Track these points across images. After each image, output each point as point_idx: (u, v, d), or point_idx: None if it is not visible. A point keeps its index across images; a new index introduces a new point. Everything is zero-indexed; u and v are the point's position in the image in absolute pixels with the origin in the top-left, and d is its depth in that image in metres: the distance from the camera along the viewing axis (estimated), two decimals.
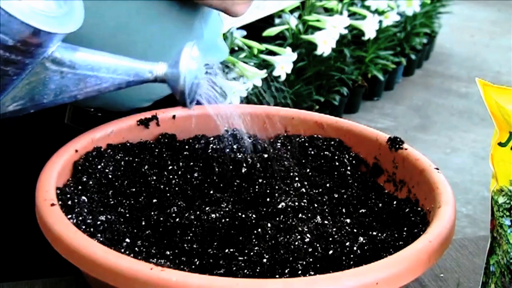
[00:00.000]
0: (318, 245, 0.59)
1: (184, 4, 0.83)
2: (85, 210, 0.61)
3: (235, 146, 0.75)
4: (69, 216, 0.59)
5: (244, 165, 0.70)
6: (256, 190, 0.68)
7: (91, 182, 0.67)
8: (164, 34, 0.83)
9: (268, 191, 0.68)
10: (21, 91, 0.61)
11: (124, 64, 0.65)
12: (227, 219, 0.63)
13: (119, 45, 0.80)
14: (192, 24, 0.86)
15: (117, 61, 0.65)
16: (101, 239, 0.58)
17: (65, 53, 0.62)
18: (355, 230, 0.63)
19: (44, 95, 0.62)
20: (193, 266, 0.57)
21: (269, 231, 0.60)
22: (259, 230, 0.60)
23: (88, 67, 0.63)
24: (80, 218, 0.60)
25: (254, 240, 0.59)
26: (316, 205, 0.67)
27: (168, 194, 0.67)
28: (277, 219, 0.62)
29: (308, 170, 0.74)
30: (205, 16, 0.88)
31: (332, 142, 0.79)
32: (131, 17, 0.79)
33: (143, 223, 0.63)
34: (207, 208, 0.65)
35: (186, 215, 0.63)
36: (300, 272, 0.56)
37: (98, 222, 0.60)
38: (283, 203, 0.65)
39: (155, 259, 0.57)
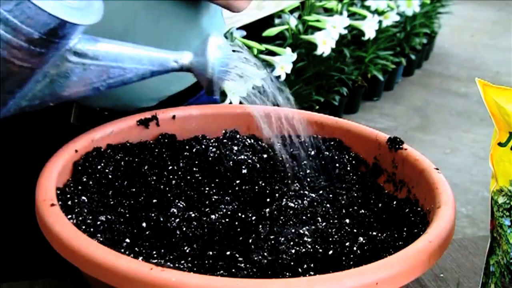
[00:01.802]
0: (318, 245, 0.59)
1: (191, 2, 0.83)
2: (85, 210, 0.61)
3: (235, 147, 0.75)
4: (69, 216, 0.59)
5: (244, 165, 0.70)
6: (256, 190, 0.68)
7: (91, 182, 0.67)
8: (172, 34, 0.83)
9: (268, 191, 0.68)
10: (41, 84, 0.60)
11: (148, 54, 0.65)
12: (227, 220, 0.63)
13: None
14: (200, 23, 0.86)
15: (141, 51, 0.65)
16: (101, 239, 0.58)
17: (87, 44, 0.61)
18: (355, 230, 0.63)
19: (65, 87, 0.61)
20: (193, 267, 0.57)
21: (269, 232, 0.60)
22: (259, 230, 0.60)
23: (112, 58, 0.63)
24: (80, 218, 0.60)
25: (254, 241, 0.59)
26: (316, 206, 0.67)
27: (168, 195, 0.67)
28: (277, 219, 0.63)
29: (308, 171, 0.74)
30: (211, 15, 0.88)
31: (332, 142, 0.79)
32: (137, 18, 0.79)
33: (143, 224, 0.63)
34: (207, 209, 0.65)
35: (186, 215, 0.63)
36: (300, 272, 0.56)
37: (98, 222, 0.60)
38: (283, 204, 0.65)
39: (155, 260, 0.57)
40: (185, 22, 0.84)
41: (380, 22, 3.10)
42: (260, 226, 0.61)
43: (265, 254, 0.57)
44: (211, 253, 0.59)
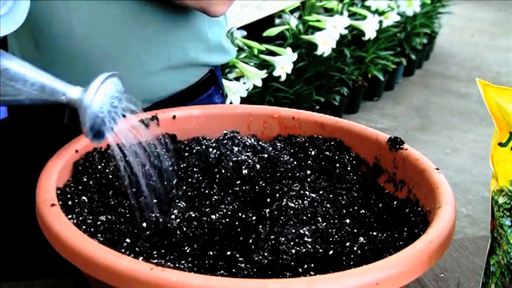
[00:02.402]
0: (318, 245, 0.59)
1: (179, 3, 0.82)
2: (85, 210, 0.61)
3: (235, 147, 0.75)
4: (70, 216, 0.59)
5: (245, 166, 0.70)
6: (257, 191, 0.68)
7: (91, 182, 0.67)
8: (162, 36, 0.82)
9: (268, 191, 0.68)
10: None
11: (42, 80, 0.63)
12: (228, 220, 0.63)
13: (112, 48, 0.80)
14: (195, 24, 0.85)
15: (36, 76, 0.63)
16: (101, 239, 0.58)
17: None
18: (355, 230, 0.63)
19: None
20: (193, 267, 0.57)
21: (270, 232, 0.60)
22: (260, 230, 0.60)
23: (7, 76, 0.62)
24: (81, 218, 0.60)
25: (254, 241, 0.59)
26: (316, 206, 0.67)
27: (169, 195, 0.67)
28: (278, 219, 0.63)
29: (308, 171, 0.74)
30: (208, 17, 0.87)
31: (332, 142, 0.79)
32: (124, 20, 0.79)
33: (144, 224, 0.63)
34: (207, 209, 0.65)
35: (186, 215, 0.63)
36: (300, 272, 0.56)
37: (98, 222, 0.60)
38: (283, 204, 0.65)
39: (156, 260, 0.57)
40: (177, 22, 0.83)
41: (380, 22, 3.10)
42: (261, 226, 0.61)
43: (266, 254, 0.57)
44: (211, 253, 0.59)
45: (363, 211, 0.68)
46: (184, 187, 0.68)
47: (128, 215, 0.64)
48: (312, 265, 0.57)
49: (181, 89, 0.87)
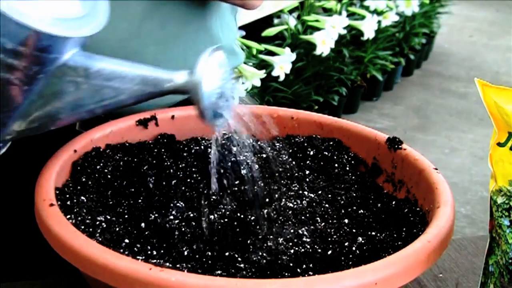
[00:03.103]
0: (317, 245, 0.59)
1: (200, 4, 0.82)
2: (84, 210, 0.61)
3: (234, 147, 0.75)
4: (68, 216, 0.59)
5: (243, 166, 0.70)
6: (255, 191, 0.68)
7: (90, 182, 0.67)
8: (180, 38, 0.82)
9: (266, 192, 0.68)
10: (36, 104, 0.55)
11: (141, 73, 0.59)
12: (226, 220, 0.63)
13: (131, 49, 0.79)
14: (210, 27, 0.85)
15: (134, 70, 0.58)
16: (100, 239, 0.58)
17: (80, 61, 0.55)
18: (354, 230, 0.63)
19: (60, 109, 0.56)
20: (192, 267, 0.57)
21: (268, 232, 0.60)
22: (258, 231, 0.60)
23: (103, 77, 0.57)
24: (79, 218, 0.60)
25: (253, 241, 0.59)
26: (315, 206, 0.67)
27: (168, 195, 0.67)
28: (276, 220, 0.63)
29: (307, 171, 0.75)
30: (221, 17, 0.87)
31: (331, 142, 0.79)
32: (143, 21, 0.78)
33: (142, 224, 0.63)
34: (206, 209, 0.65)
35: (185, 216, 0.63)
36: (299, 272, 0.56)
37: (97, 223, 0.60)
38: (282, 204, 0.65)
39: (154, 260, 0.57)
40: (194, 25, 0.83)
41: (379, 22, 3.10)
42: (259, 226, 0.61)
43: (264, 254, 0.57)
44: (210, 253, 0.59)
45: (361, 211, 0.68)
46: (183, 187, 0.68)
47: (127, 216, 0.64)
48: (311, 265, 0.57)
49: None
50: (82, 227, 0.59)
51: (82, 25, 0.53)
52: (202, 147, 0.75)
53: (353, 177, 0.75)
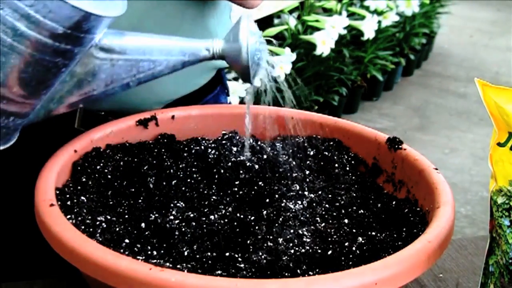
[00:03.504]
0: (317, 245, 0.59)
1: (198, 2, 0.82)
2: (84, 211, 0.61)
3: (234, 148, 0.75)
4: (68, 217, 0.59)
5: (243, 166, 0.70)
6: (255, 191, 0.68)
7: (90, 183, 0.67)
8: (178, 34, 0.82)
9: (267, 192, 0.68)
10: (68, 84, 0.57)
11: (178, 44, 0.63)
12: (226, 220, 0.63)
13: None
14: (207, 23, 0.85)
15: (170, 42, 0.62)
16: (100, 239, 0.58)
17: (114, 39, 0.58)
18: (354, 231, 0.63)
19: (94, 86, 0.59)
20: (192, 267, 0.57)
21: (268, 232, 0.60)
22: (258, 231, 0.60)
23: (140, 51, 0.60)
24: (79, 218, 0.60)
25: (253, 241, 0.59)
26: (315, 206, 0.67)
27: (168, 195, 0.67)
28: (276, 220, 0.63)
29: (307, 171, 0.74)
30: (218, 15, 0.88)
31: (331, 143, 0.79)
32: (144, 18, 0.79)
33: (143, 224, 0.63)
34: (206, 210, 0.65)
35: (185, 216, 0.63)
36: (299, 272, 0.56)
37: (97, 223, 0.60)
38: (282, 204, 0.65)
39: (154, 260, 0.57)
40: (192, 22, 0.83)
41: (379, 22, 3.10)
42: (259, 226, 0.61)
43: (264, 254, 0.57)
44: (210, 253, 0.59)
45: (362, 211, 0.68)
46: (183, 188, 0.69)
47: (127, 216, 0.64)
48: (311, 265, 0.57)
49: (191, 91, 0.88)
50: (82, 227, 0.59)
51: (111, 7, 0.56)
52: (202, 147, 0.75)
53: (353, 177, 0.75)
